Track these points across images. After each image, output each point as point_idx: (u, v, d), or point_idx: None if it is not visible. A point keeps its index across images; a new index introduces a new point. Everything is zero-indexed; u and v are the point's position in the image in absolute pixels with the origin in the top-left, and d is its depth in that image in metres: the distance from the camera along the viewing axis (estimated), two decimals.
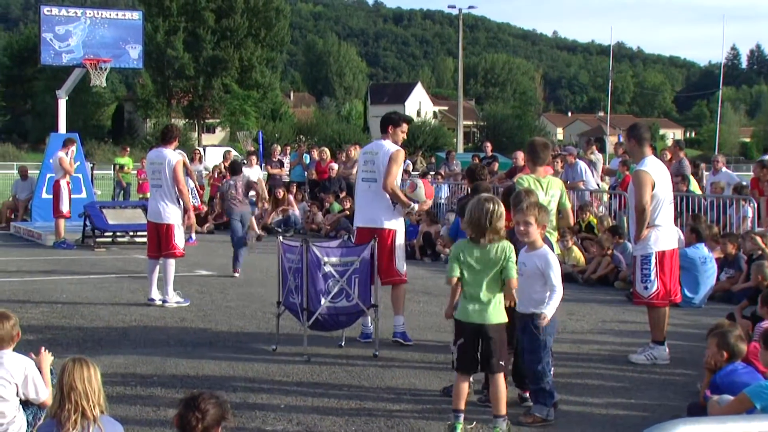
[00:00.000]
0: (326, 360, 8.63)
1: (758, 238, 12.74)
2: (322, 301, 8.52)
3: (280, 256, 8.99)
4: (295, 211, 22.15)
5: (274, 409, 7.01)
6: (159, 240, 11.71)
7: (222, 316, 10.84)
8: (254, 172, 19.93)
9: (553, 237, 7.76)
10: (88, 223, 18.40)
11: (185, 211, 12.16)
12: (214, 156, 41.50)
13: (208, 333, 9.89)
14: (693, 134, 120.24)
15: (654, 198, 8.61)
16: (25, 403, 5.69)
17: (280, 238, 9.69)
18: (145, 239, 13.03)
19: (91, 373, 4.85)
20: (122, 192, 27.64)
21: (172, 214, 11.72)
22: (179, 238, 11.84)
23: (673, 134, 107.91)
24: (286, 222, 21.72)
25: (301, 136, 34.90)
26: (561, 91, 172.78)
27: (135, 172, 28.91)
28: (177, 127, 13.02)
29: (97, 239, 18.37)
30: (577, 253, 14.82)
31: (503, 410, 6.30)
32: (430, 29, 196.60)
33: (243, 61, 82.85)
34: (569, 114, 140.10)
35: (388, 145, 9.51)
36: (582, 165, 17.92)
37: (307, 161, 24.70)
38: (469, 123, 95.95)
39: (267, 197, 20.78)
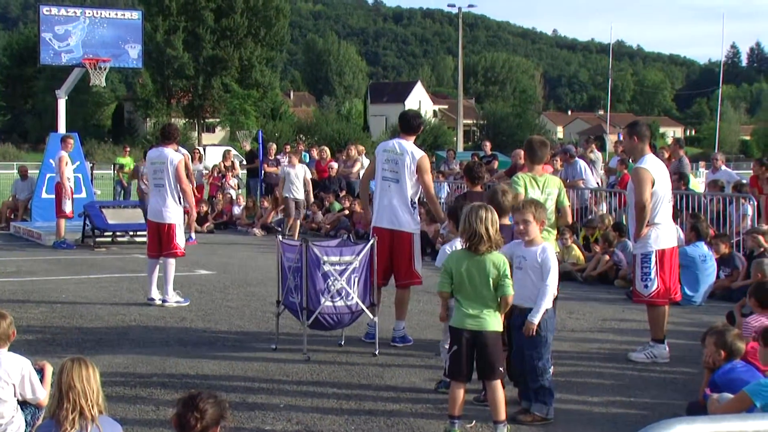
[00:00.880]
0: (326, 359, 8.63)
1: (760, 237, 12.72)
2: (322, 300, 8.51)
3: (280, 255, 8.98)
4: None
5: (273, 409, 7.00)
6: (159, 239, 11.70)
7: (222, 316, 10.83)
8: (300, 171, 20.03)
9: (552, 235, 7.75)
10: (87, 222, 18.40)
11: (186, 210, 12.14)
12: (213, 155, 41.50)
13: (207, 333, 9.89)
14: (693, 132, 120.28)
15: (653, 196, 8.61)
16: (24, 404, 5.69)
17: (280, 237, 9.69)
18: (144, 239, 13.02)
19: (90, 373, 4.85)
20: (123, 192, 27.62)
21: (173, 214, 11.71)
22: (180, 238, 11.84)
23: (673, 132, 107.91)
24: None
25: (301, 135, 34.82)
26: (561, 89, 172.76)
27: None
28: (177, 127, 13.02)
29: (97, 239, 18.37)
30: (577, 252, 14.81)
31: (503, 415, 6.29)
32: (430, 28, 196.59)
33: (243, 60, 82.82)
34: (569, 112, 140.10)
35: (414, 149, 9.43)
36: (581, 163, 17.90)
37: (307, 160, 24.68)
38: (469, 121, 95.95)
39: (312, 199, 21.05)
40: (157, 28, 78.12)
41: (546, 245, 6.71)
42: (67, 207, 18.00)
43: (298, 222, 19.95)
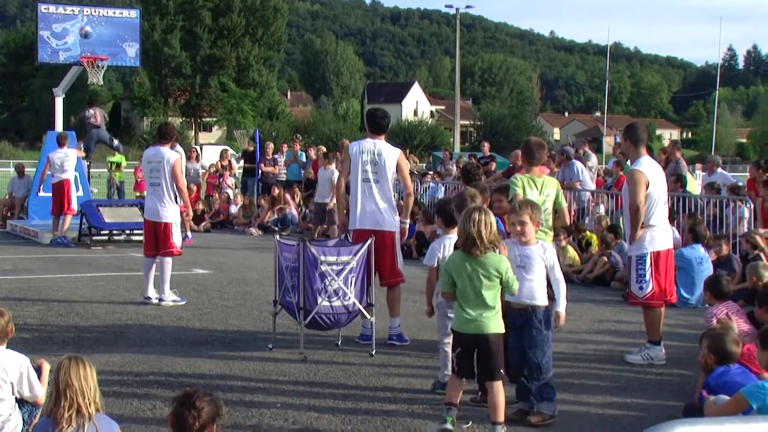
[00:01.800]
0: (323, 359, 8.63)
1: (758, 238, 12.73)
2: (319, 300, 8.51)
3: (277, 254, 8.99)
4: (292, 210, 22.15)
5: (270, 408, 7.01)
6: (156, 238, 11.69)
7: (218, 315, 10.83)
8: (335, 174, 19.96)
9: (548, 237, 7.76)
10: (84, 221, 18.39)
11: (181, 209, 12.14)
12: (210, 154, 41.46)
13: (204, 332, 9.89)
14: (690, 135, 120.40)
15: (648, 198, 8.63)
16: (21, 402, 5.69)
17: (277, 236, 9.69)
18: (141, 237, 13.02)
19: (87, 371, 4.85)
20: (117, 190, 27.59)
21: (170, 213, 11.71)
22: (177, 237, 11.84)
23: (669, 135, 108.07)
24: (283, 221, 21.71)
25: (298, 135, 34.83)
26: (558, 91, 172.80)
27: (132, 170, 28.85)
28: (173, 126, 13.02)
29: (94, 237, 18.34)
30: (572, 253, 14.82)
31: (501, 417, 6.30)
32: (428, 29, 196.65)
33: (240, 59, 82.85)
34: (566, 114, 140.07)
35: (391, 148, 9.52)
36: (578, 165, 17.91)
37: (304, 159, 24.68)
38: (466, 122, 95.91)
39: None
40: (155, 27, 78.14)
41: (544, 243, 6.78)
42: (74, 204, 18.14)
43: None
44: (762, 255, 12.32)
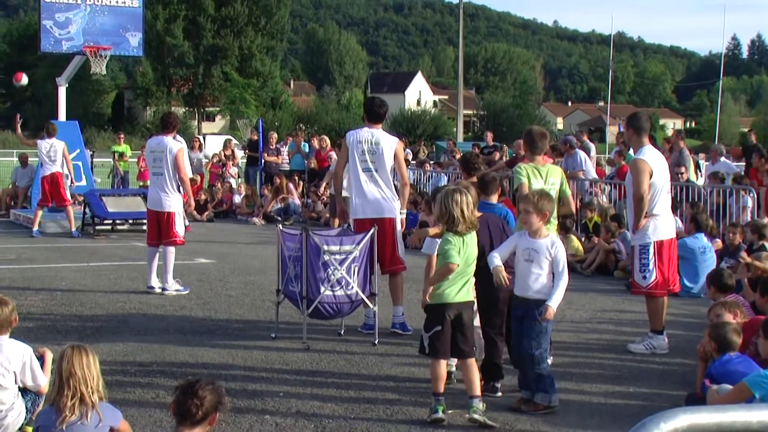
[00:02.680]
0: (325, 348, 8.64)
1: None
2: (322, 289, 8.52)
3: (280, 244, 8.99)
4: (295, 199, 22.16)
5: (272, 397, 7.02)
6: (159, 228, 11.71)
7: (221, 305, 10.84)
8: None
9: (553, 226, 7.76)
10: (87, 210, 18.40)
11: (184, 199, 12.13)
12: (213, 144, 41.46)
13: (207, 321, 9.90)
14: (693, 124, 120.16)
15: (652, 187, 8.61)
16: (24, 390, 5.70)
17: (280, 226, 9.69)
18: (144, 227, 13.02)
19: (90, 360, 4.86)
20: (121, 179, 27.60)
21: (173, 203, 11.72)
22: (180, 226, 11.84)
23: (673, 124, 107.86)
24: (286, 210, 21.72)
25: (301, 125, 34.83)
26: (561, 80, 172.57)
27: (135, 159, 28.88)
28: (176, 116, 13.00)
29: (97, 227, 18.37)
30: (576, 243, 14.80)
31: (478, 391, 6.48)
32: (431, 18, 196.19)
33: (243, 49, 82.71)
34: (569, 104, 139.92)
35: (389, 137, 9.55)
36: (581, 154, 17.90)
37: (307, 150, 24.68)
38: (470, 112, 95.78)
39: None
40: (158, 17, 77.97)
41: (554, 238, 6.75)
42: (68, 194, 18.04)
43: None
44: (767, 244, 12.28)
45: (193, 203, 12.93)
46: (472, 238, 6.52)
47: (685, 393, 6.97)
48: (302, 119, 70.03)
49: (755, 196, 14.69)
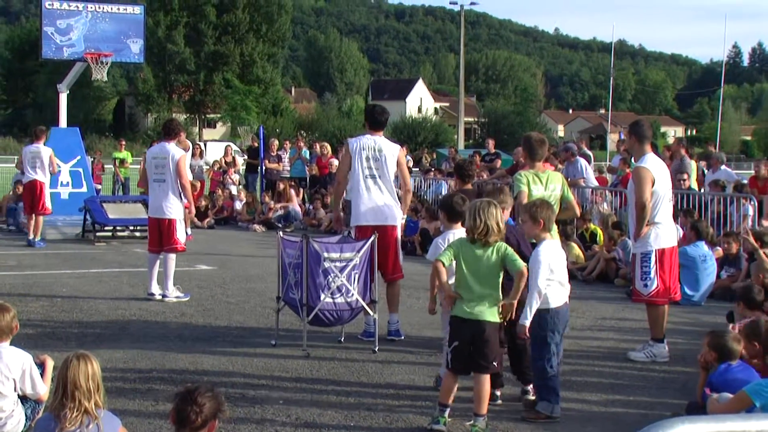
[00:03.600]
0: (325, 356, 8.63)
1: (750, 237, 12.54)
2: (322, 296, 8.51)
3: (280, 251, 8.98)
4: (296, 206, 22.16)
5: (272, 404, 7.01)
6: (160, 235, 11.70)
7: (222, 311, 10.84)
8: None
9: (553, 231, 7.75)
10: (88, 217, 18.40)
11: (185, 206, 12.13)
12: (214, 151, 41.49)
13: (207, 328, 9.89)
14: (694, 132, 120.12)
15: (654, 195, 8.61)
16: (24, 398, 5.69)
17: (280, 233, 9.69)
18: (145, 233, 13.01)
19: (95, 369, 4.85)
20: (122, 186, 27.60)
21: (174, 209, 11.71)
22: (181, 233, 11.84)
23: (674, 132, 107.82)
24: (287, 217, 21.72)
25: (302, 132, 34.88)
26: (562, 88, 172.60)
27: (137, 166, 28.88)
28: (179, 122, 13.01)
29: (97, 233, 18.36)
30: (577, 250, 14.78)
31: (484, 410, 6.40)
32: (432, 25, 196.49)
33: (244, 56, 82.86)
34: (570, 111, 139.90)
35: (391, 144, 9.59)
36: (582, 162, 17.90)
37: (308, 157, 24.69)
38: (470, 119, 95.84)
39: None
40: (159, 23, 78.17)
41: (541, 245, 6.67)
42: (48, 203, 17.62)
43: None
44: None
45: (194, 209, 12.94)
46: (493, 250, 6.40)
47: (686, 401, 6.95)
48: (303, 126, 70.18)
49: (756, 204, 14.68)
